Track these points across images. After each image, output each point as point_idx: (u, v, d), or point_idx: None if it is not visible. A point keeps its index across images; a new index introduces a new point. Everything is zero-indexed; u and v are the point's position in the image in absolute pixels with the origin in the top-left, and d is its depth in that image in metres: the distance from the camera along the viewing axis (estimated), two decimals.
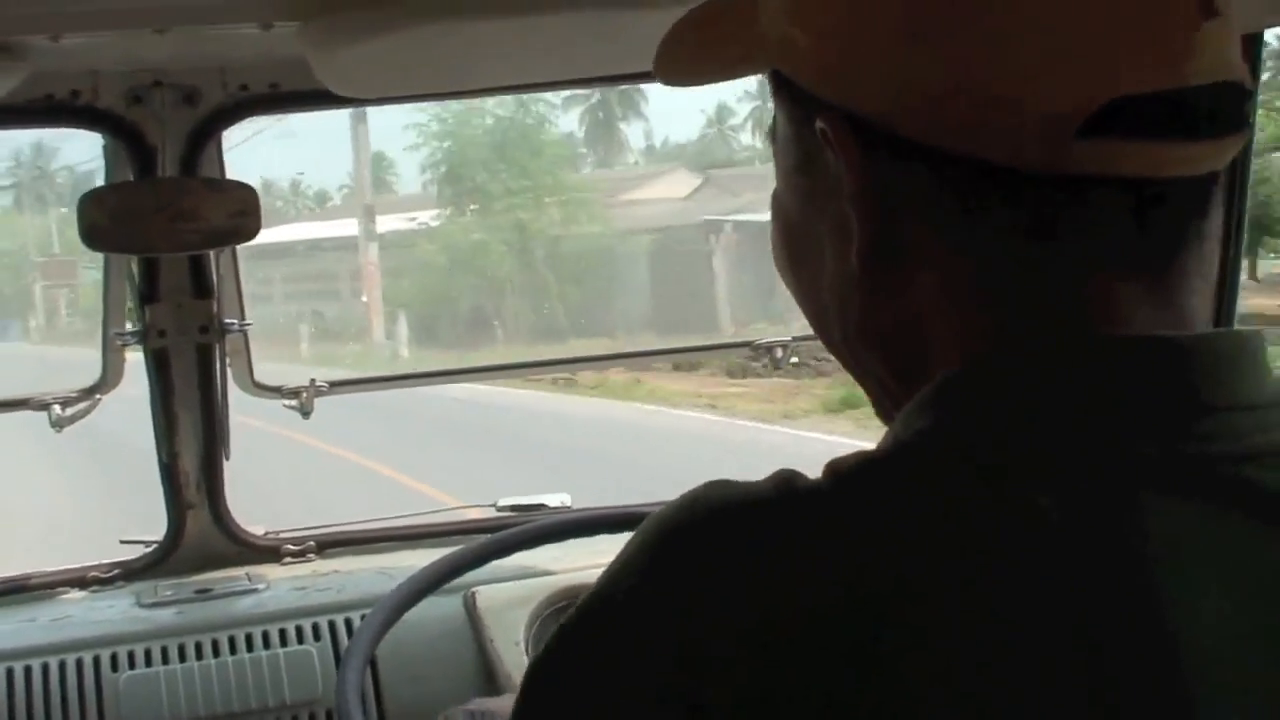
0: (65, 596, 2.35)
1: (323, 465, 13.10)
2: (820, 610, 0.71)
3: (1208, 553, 0.73)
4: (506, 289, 22.97)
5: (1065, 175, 0.75)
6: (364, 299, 23.09)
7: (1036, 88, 0.73)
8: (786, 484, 0.77)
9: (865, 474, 0.77)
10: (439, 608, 2.15)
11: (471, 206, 24.58)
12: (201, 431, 2.36)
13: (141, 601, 2.27)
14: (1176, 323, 0.79)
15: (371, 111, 19.79)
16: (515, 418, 16.33)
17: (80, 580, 2.38)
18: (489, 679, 2.14)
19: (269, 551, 2.48)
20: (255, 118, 2.25)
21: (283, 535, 2.52)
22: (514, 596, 2.23)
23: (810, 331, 0.93)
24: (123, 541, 2.47)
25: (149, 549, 2.43)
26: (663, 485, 1.84)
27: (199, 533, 2.42)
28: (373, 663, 2.08)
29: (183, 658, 2.12)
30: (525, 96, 21.20)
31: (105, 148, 2.21)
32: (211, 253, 2.23)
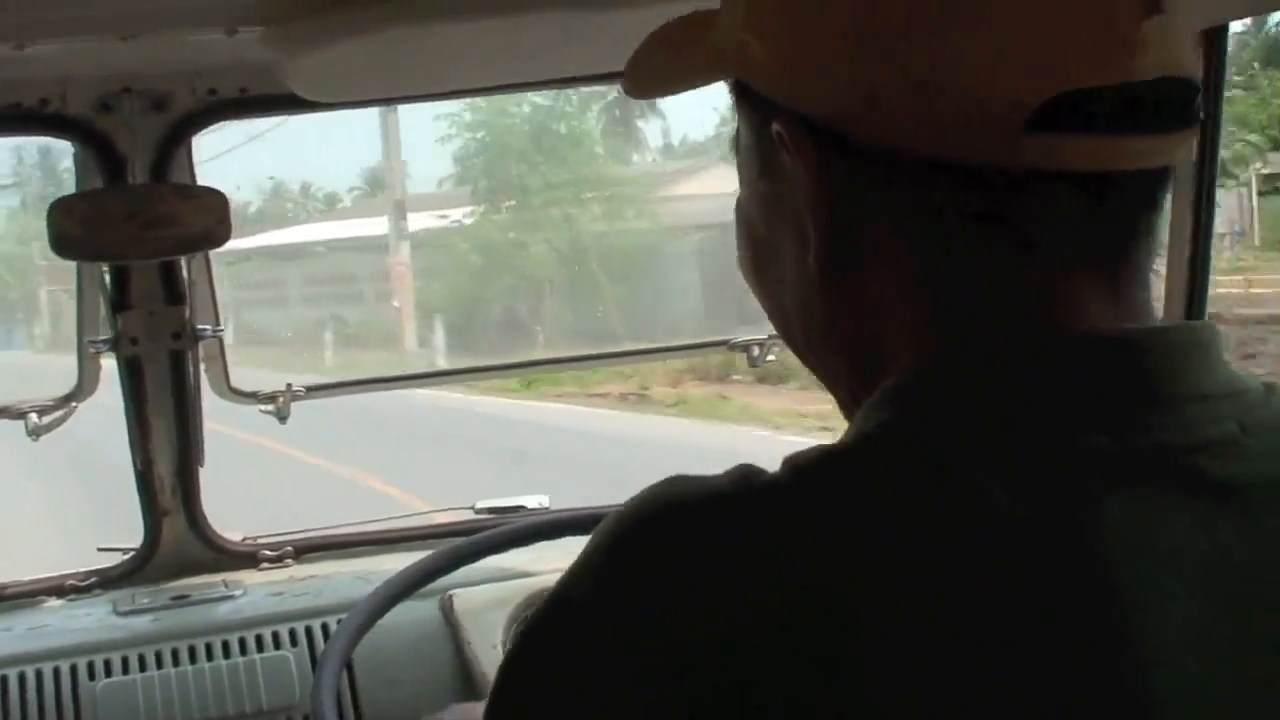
0: (42, 605, 2.34)
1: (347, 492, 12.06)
2: (779, 607, 0.72)
3: (1161, 542, 0.73)
4: (546, 290, 21.22)
5: (1016, 171, 0.76)
6: (395, 303, 21.21)
7: (983, 83, 0.74)
8: (744, 478, 0.77)
9: (824, 468, 0.77)
10: (416, 611, 2.15)
11: (507, 202, 22.44)
12: (176, 438, 2.35)
13: (118, 609, 2.27)
14: (1129, 315, 0.80)
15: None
16: (587, 445, 13.74)
17: (57, 588, 2.37)
18: (466, 682, 2.14)
19: (246, 557, 2.48)
20: (246, 120, 2.25)
21: (260, 541, 2.51)
22: (491, 599, 2.22)
23: None
24: (99, 549, 2.46)
25: (126, 556, 2.42)
26: None
27: (175, 539, 2.41)
28: (349, 667, 2.07)
29: (160, 665, 2.11)
30: None
31: (75, 155, 2.21)
32: (184, 259, 2.22)
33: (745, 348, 2.67)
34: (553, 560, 2.24)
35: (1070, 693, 0.70)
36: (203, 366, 2.36)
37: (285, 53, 1.65)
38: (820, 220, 0.82)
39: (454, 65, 1.80)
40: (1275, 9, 1.90)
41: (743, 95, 0.87)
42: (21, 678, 2.07)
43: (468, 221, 22.14)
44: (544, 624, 0.81)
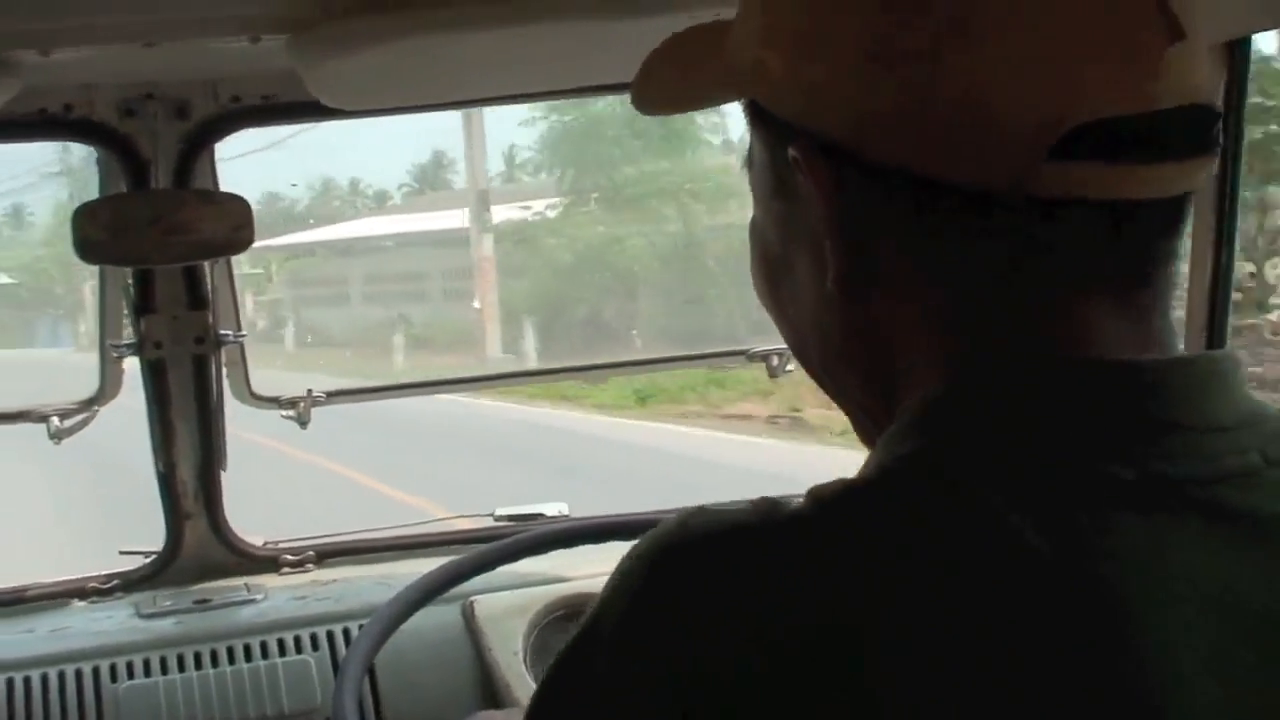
0: (64, 607, 2.35)
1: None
2: (801, 639, 0.72)
3: (1181, 573, 0.73)
4: (643, 289, 18.84)
5: (1035, 198, 0.75)
6: (475, 304, 18.92)
7: (1004, 112, 0.74)
8: (768, 510, 0.78)
9: (847, 501, 0.77)
10: (437, 617, 2.15)
11: (594, 194, 19.78)
12: (198, 442, 2.36)
13: (140, 612, 2.28)
14: (1148, 343, 0.79)
15: None
16: (761, 486, 11.90)
17: (79, 591, 2.38)
18: (487, 688, 2.14)
19: (267, 561, 2.48)
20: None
21: (281, 545, 2.52)
22: (512, 605, 2.23)
23: None
24: (122, 552, 2.47)
25: (148, 559, 2.43)
26: None
27: (197, 543, 2.42)
28: (371, 672, 2.08)
29: (181, 668, 2.12)
30: None
31: (99, 160, 2.22)
32: (207, 264, 2.23)
33: (764, 357, 2.66)
34: (574, 567, 2.25)
35: None
36: (224, 371, 2.37)
37: (308, 60, 1.65)
38: (836, 242, 0.82)
39: (476, 73, 1.80)
40: None
41: (757, 114, 0.87)
42: (44, 679, 2.08)
43: (552, 214, 19.83)
44: (573, 657, 0.81)
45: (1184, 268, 2.08)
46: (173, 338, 2.26)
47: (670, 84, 0.95)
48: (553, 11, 1.53)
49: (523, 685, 2.09)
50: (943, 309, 0.80)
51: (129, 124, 2.12)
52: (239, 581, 2.40)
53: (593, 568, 2.20)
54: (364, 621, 1.92)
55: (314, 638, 2.19)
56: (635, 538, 0.82)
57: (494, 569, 1.99)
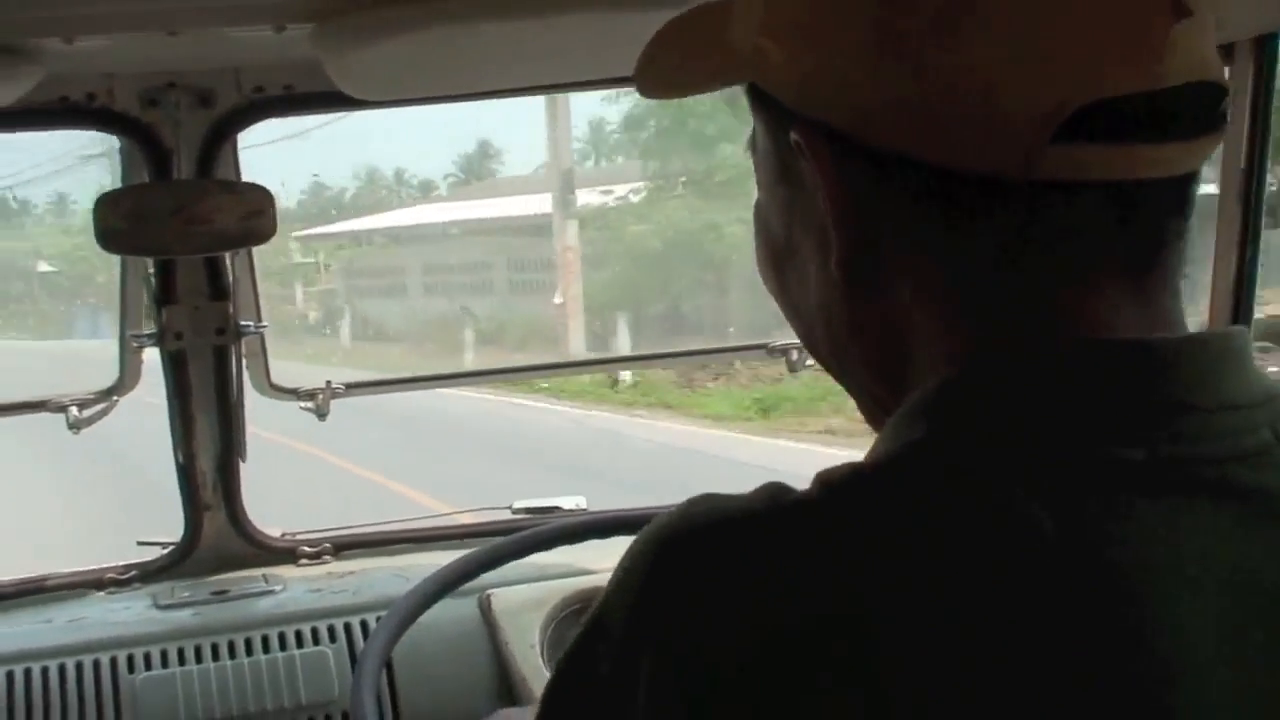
0: (82, 598, 2.35)
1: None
2: (810, 627, 0.71)
3: (1194, 554, 0.73)
4: (737, 281, 16.55)
5: (1040, 181, 0.74)
6: (557, 299, 17.30)
7: (1008, 96, 0.73)
8: (774, 497, 0.77)
9: (855, 486, 0.77)
10: (454, 610, 2.15)
11: (682, 178, 18.44)
12: (218, 433, 2.36)
13: (158, 603, 2.28)
14: (1158, 323, 0.79)
15: None
16: None
17: (97, 581, 2.38)
18: (504, 681, 2.14)
19: (285, 553, 2.48)
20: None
21: (299, 537, 2.52)
22: (529, 599, 2.23)
23: None
24: (140, 543, 2.47)
25: (166, 550, 2.43)
26: None
27: (215, 534, 2.42)
28: (388, 665, 2.08)
29: (199, 659, 2.12)
30: None
31: (121, 150, 2.22)
32: (227, 255, 2.23)
33: (784, 351, 2.66)
34: (590, 561, 2.25)
35: (1099, 708, 0.70)
36: (244, 362, 2.37)
37: (332, 50, 1.65)
38: (841, 228, 0.81)
39: (500, 63, 1.80)
40: None
41: (759, 99, 0.86)
42: (61, 670, 2.08)
43: (636, 198, 18.54)
44: (581, 652, 0.81)
45: (1204, 253, 2.08)
46: (194, 329, 2.26)
47: (673, 68, 0.94)
48: (577, 2, 1.53)
49: (539, 679, 2.09)
50: (949, 293, 0.80)
51: (151, 113, 2.12)
52: (257, 573, 2.40)
53: (610, 561, 2.15)
54: (381, 614, 1.92)
55: (331, 629, 2.19)
56: None
57: (511, 562, 1.99)
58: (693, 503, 0.79)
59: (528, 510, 2.58)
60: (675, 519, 0.78)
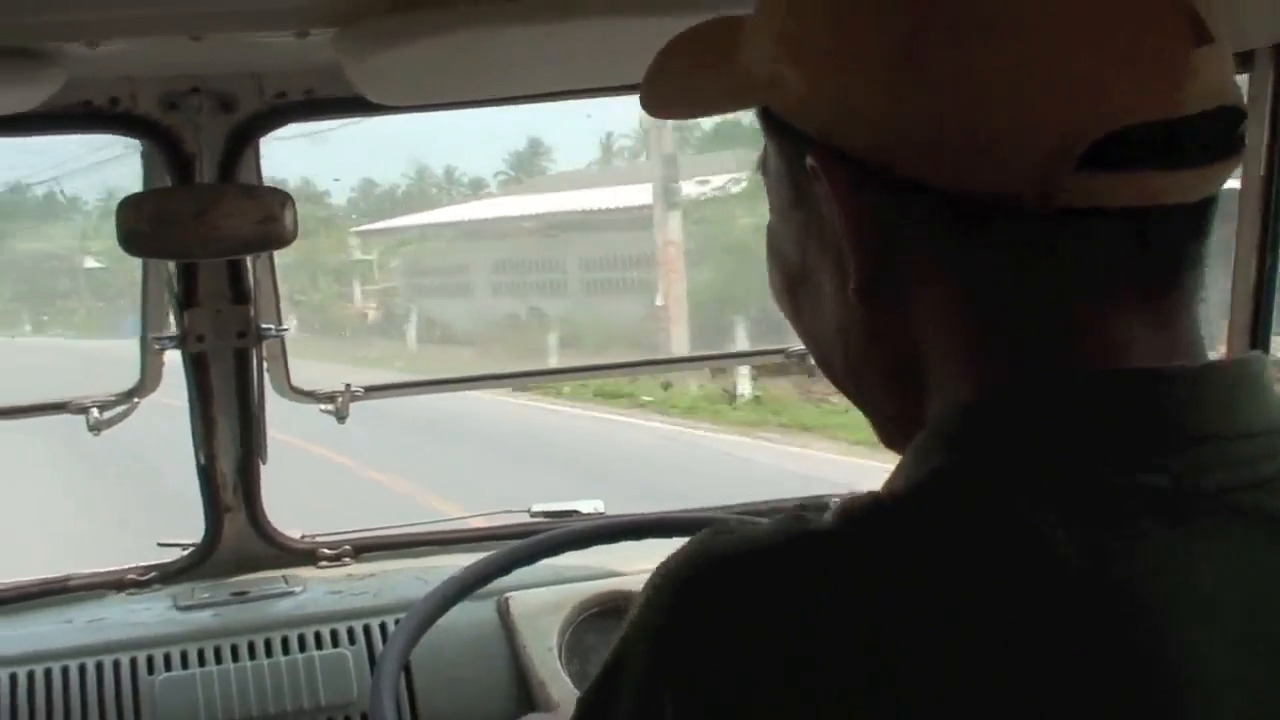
0: (102, 598, 2.36)
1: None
2: (833, 660, 0.71)
3: (1210, 584, 0.73)
4: None
5: (1059, 208, 0.74)
6: (659, 300, 15.57)
7: (1028, 124, 0.73)
8: (794, 528, 0.77)
9: (876, 517, 0.76)
10: (472, 613, 2.16)
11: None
12: (239, 435, 2.37)
13: (178, 604, 2.29)
14: (1177, 346, 0.78)
15: None
16: None
17: (118, 582, 2.39)
18: (522, 684, 2.14)
19: (305, 554, 2.49)
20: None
21: (319, 539, 2.53)
22: (547, 602, 2.23)
23: None
24: (160, 544, 2.48)
25: (186, 551, 2.44)
26: None
27: (236, 536, 2.43)
28: (407, 667, 2.08)
29: (219, 660, 2.13)
30: None
31: (143, 154, 2.23)
32: (249, 258, 2.24)
33: (801, 356, 2.65)
34: (609, 564, 2.25)
35: None
36: (265, 365, 2.38)
37: (354, 55, 1.66)
38: (858, 253, 0.81)
39: (523, 68, 1.80)
40: None
41: (772, 123, 0.86)
42: (82, 670, 2.09)
43: (736, 189, 16.67)
44: (605, 685, 0.81)
45: (1226, 273, 2.07)
46: (215, 331, 2.27)
47: (680, 90, 0.94)
48: (601, 7, 1.53)
49: (557, 682, 2.09)
50: (965, 317, 0.79)
51: (173, 117, 2.13)
52: (277, 574, 2.41)
53: (628, 564, 2.19)
54: (400, 616, 1.92)
55: (351, 631, 2.19)
56: (671, 535, 0.82)
57: (529, 565, 1.99)
58: (710, 535, 0.79)
59: (546, 514, 2.58)
60: (694, 553, 0.78)
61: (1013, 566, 0.72)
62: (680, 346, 15.00)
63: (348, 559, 2.50)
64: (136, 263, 2.26)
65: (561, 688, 2.08)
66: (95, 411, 2.40)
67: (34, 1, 1.49)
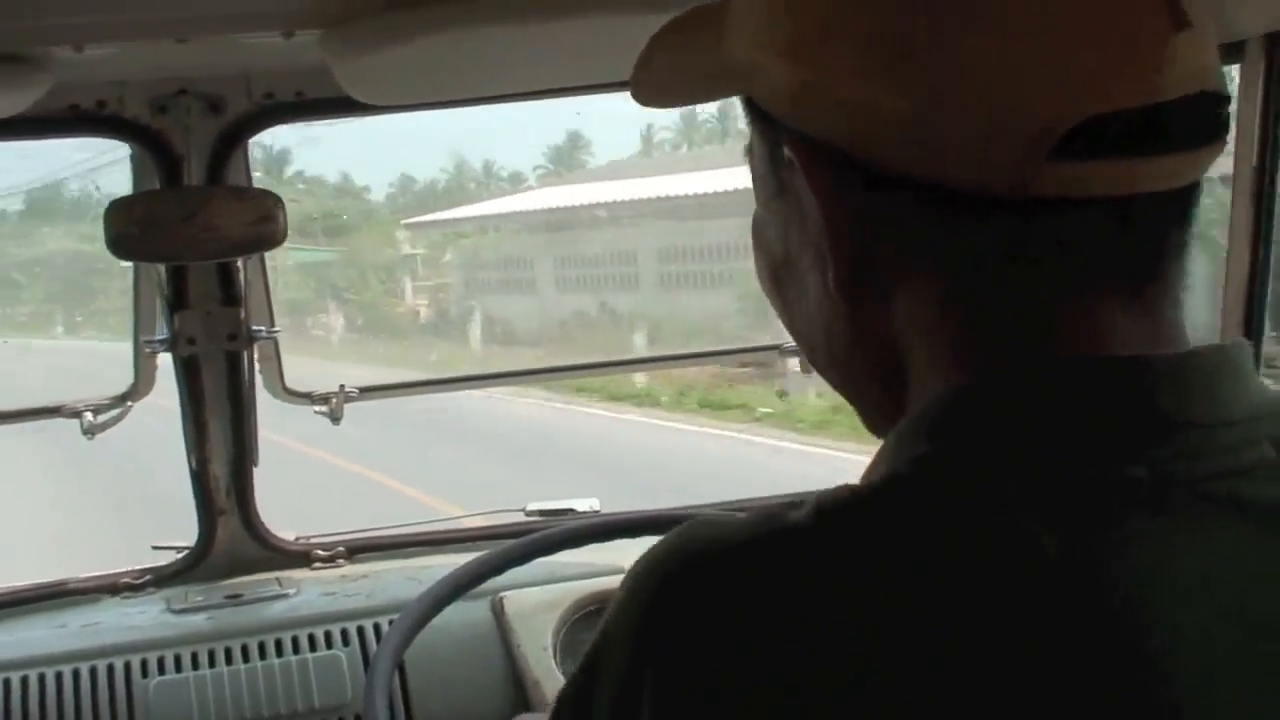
0: (96, 602, 2.36)
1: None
2: (810, 655, 0.71)
3: (1194, 572, 0.72)
4: None
5: (1038, 197, 0.74)
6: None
7: (1004, 112, 0.72)
8: (766, 523, 0.76)
9: (851, 511, 0.76)
10: (467, 613, 2.16)
11: None
12: (231, 438, 2.37)
13: (172, 607, 2.29)
14: (1160, 335, 0.78)
15: None
16: None
17: (111, 586, 2.39)
18: (517, 684, 2.14)
19: (299, 556, 2.49)
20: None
21: (313, 540, 2.53)
22: (542, 601, 2.23)
23: None
24: (154, 547, 2.48)
25: (180, 555, 2.44)
26: None
27: (229, 538, 2.43)
28: (401, 668, 2.08)
29: (213, 663, 2.13)
30: None
31: (132, 157, 2.23)
32: (239, 260, 2.23)
33: (796, 352, 2.65)
34: (604, 563, 2.25)
35: None
36: (256, 367, 2.38)
37: (341, 55, 1.65)
38: (837, 244, 0.81)
39: (511, 67, 1.80)
40: None
41: (755, 112, 0.85)
42: (75, 674, 2.09)
43: None
44: (583, 682, 0.80)
45: (1217, 261, 2.07)
46: (206, 334, 2.27)
47: (665, 78, 0.94)
48: (587, 6, 1.52)
49: (552, 681, 2.09)
50: (947, 306, 0.79)
51: (161, 120, 2.13)
52: (270, 576, 2.41)
53: (625, 563, 2.17)
54: (394, 617, 1.93)
55: (345, 633, 2.19)
56: (665, 533, 0.81)
57: (523, 564, 1.99)
58: (687, 531, 0.78)
59: (541, 513, 2.58)
60: (671, 550, 0.78)
61: (988, 559, 0.71)
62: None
63: (341, 560, 2.50)
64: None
65: (556, 687, 2.08)
66: (89, 415, 2.39)
67: (19, 6, 1.48)
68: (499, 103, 2.09)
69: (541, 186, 22.96)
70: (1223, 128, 0.77)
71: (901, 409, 0.82)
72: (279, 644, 2.17)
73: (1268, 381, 0.80)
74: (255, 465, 2.40)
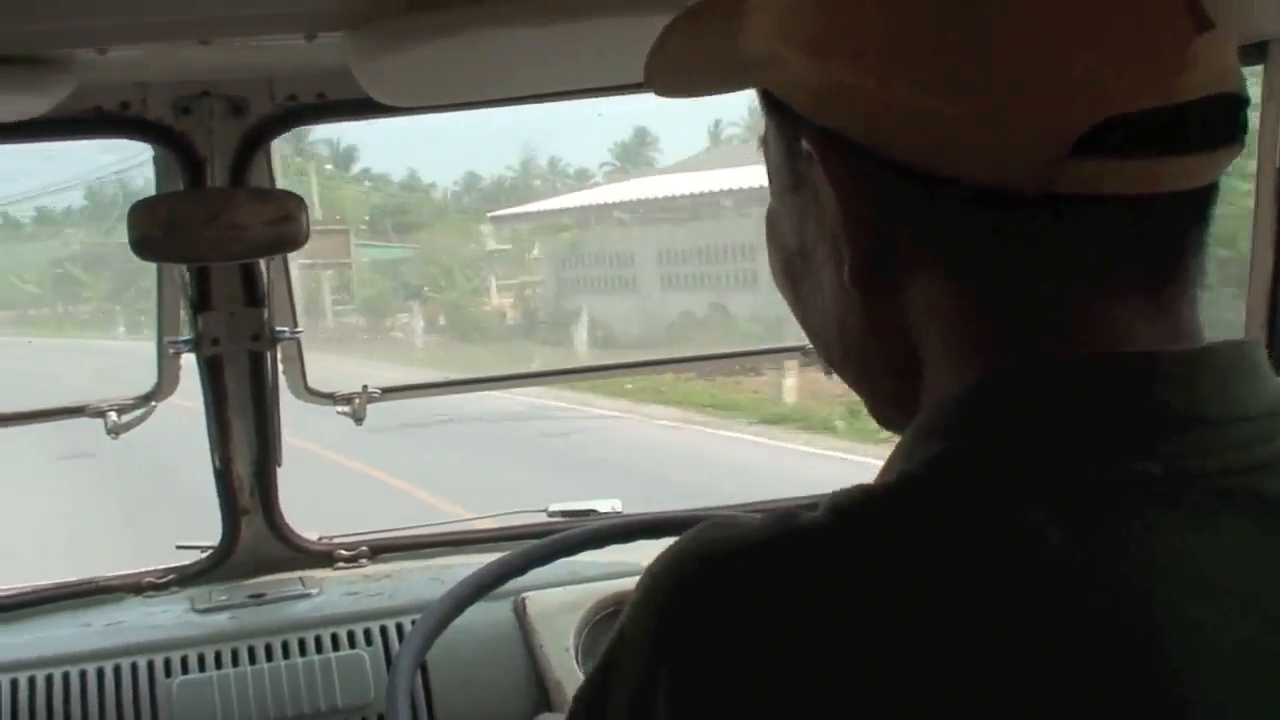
0: (120, 601, 2.37)
1: None
2: (825, 655, 0.71)
3: (1208, 568, 0.72)
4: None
5: (1057, 194, 0.74)
6: None
7: (1025, 111, 0.72)
8: (782, 523, 0.76)
9: (866, 511, 0.76)
10: (489, 613, 2.16)
11: None
12: (254, 438, 2.37)
13: (196, 606, 2.30)
14: (1177, 333, 0.78)
15: None
16: None
17: (135, 585, 2.40)
18: (539, 685, 2.14)
19: (322, 556, 2.50)
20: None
21: (336, 540, 2.53)
22: (564, 602, 2.23)
23: None
24: (178, 547, 2.49)
25: (204, 554, 2.45)
26: None
27: (253, 538, 2.44)
28: (423, 668, 2.09)
29: (236, 662, 2.14)
30: None
31: (155, 158, 2.23)
32: (263, 261, 2.24)
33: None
34: (625, 563, 2.25)
35: None
36: (280, 367, 2.38)
37: (363, 57, 1.66)
38: (854, 238, 0.80)
39: (532, 68, 1.80)
40: None
41: (772, 104, 0.85)
42: (99, 673, 2.10)
43: None
44: (596, 687, 0.80)
45: (1238, 261, 2.06)
46: (229, 335, 2.28)
47: (682, 69, 0.93)
48: (607, 6, 1.52)
49: (574, 682, 2.09)
50: (963, 302, 0.79)
51: (184, 122, 2.14)
52: (294, 576, 2.42)
53: (646, 564, 2.18)
54: (417, 617, 1.93)
55: (367, 633, 2.20)
56: None
57: (545, 565, 1.99)
58: (703, 532, 0.78)
59: (564, 513, 2.58)
60: (688, 550, 0.78)
61: (1001, 557, 0.71)
62: None
63: (364, 560, 2.51)
64: None
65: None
66: (113, 415, 2.40)
67: (43, 8, 1.49)
68: (521, 104, 2.09)
69: (608, 183, 22.46)
70: (1242, 129, 0.77)
71: (916, 402, 0.82)
72: (302, 643, 2.18)
73: None
74: (279, 465, 2.40)
